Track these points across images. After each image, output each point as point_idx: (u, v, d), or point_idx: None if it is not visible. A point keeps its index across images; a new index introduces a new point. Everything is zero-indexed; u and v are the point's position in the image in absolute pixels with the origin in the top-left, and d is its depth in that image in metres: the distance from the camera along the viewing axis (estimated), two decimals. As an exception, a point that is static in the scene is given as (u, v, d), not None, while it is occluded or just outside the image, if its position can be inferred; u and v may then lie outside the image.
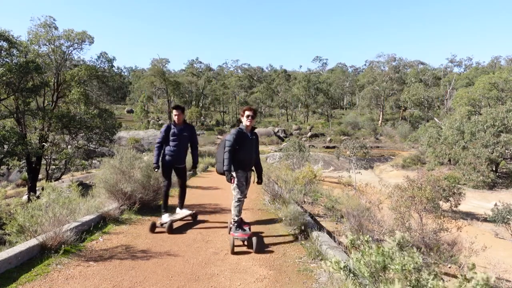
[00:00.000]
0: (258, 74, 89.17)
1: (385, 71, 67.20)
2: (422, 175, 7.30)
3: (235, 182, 4.26)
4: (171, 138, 5.03)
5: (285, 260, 3.75)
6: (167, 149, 5.04)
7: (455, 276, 4.97)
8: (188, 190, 9.18)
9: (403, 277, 1.61)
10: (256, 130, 4.57)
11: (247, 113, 4.38)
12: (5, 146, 14.68)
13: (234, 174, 4.26)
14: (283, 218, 4.99)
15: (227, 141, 4.22)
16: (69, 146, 18.36)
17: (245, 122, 4.38)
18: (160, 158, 5.06)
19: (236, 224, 4.30)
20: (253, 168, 4.58)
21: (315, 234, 4.34)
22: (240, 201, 4.34)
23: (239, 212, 4.35)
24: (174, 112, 5.08)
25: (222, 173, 4.31)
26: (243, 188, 4.34)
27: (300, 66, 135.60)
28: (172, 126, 5.08)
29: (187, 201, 7.52)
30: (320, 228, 5.03)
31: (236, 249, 3.98)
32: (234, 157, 4.20)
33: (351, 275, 1.86)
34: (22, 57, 16.40)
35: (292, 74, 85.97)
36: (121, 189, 5.63)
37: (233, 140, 4.19)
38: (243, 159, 4.30)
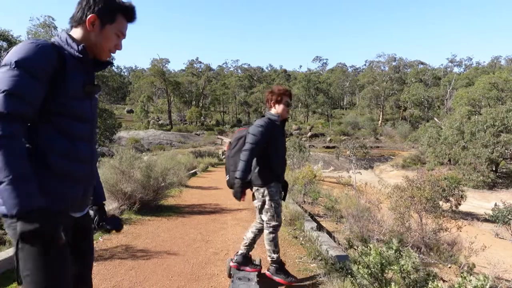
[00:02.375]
0: (258, 74, 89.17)
1: (385, 71, 67.23)
2: (422, 175, 7.31)
3: (268, 201, 2.79)
4: (73, 109, 1.23)
5: (285, 260, 3.75)
6: (60, 153, 1.19)
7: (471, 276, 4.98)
8: (187, 191, 9.22)
9: (401, 278, 1.62)
10: None
11: (286, 99, 2.86)
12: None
13: (262, 189, 2.80)
14: (283, 218, 5.00)
15: (250, 135, 2.69)
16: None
17: (279, 109, 2.85)
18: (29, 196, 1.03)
19: (276, 264, 2.93)
20: None
21: (315, 234, 4.35)
22: (277, 231, 2.87)
23: (275, 245, 2.88)
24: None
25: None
26: (280, 209, 2.87)
27: (300, 66, 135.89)
28: (70, 58, 1.22)
29: (187, 201, 7.54)
30: (320, 228, 5.04)
31: None
32: (265, 162, 2.79)
33: (349, 276, 1.87)
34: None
35: (292, 74, 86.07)
36: (121, 189, 5.64)
37: (261, 135, 2.67)
38: (278, 165, 2.86)
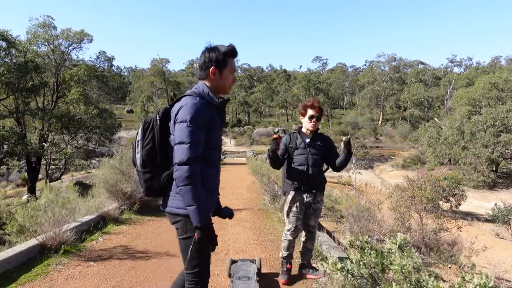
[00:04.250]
0: (258, 74, 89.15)
1: (385, 71, 67.22)
2: (422, 175, 7.30)
3: (286, 207, 3.05)
4: (214, 142, 1.82)
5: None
6: (208, 175, 1.80)
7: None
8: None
9: (402, 277, 1.61)
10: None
11: (310, 112, 3.00)
12: (5, 146, 14.70)
13: (284, 197, 3.11)
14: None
15: None
16: (68, 146, 18.38)
17: (304, 122, 3.06)
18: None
19: (282, 260, 3.16)
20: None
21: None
22: (287, 235, 3.06)
23: (285, 249, 3.09)
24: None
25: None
26: (293, 217, 3.01)
27: (300, 66, 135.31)
28: (212, 107, 1.79)
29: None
30: (320, 228, 5.03)
31: None
32: (286, 172, 3.05)
33: (349, 275, 1.86)
34: (21, 57, 16.41)
35: (292, 74, 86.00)
36: (121, 189, 5.64)
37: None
38: (297, 175, 2.98)
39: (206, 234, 1.60)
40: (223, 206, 2.13)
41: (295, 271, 3.27)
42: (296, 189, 2.97)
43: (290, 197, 3.00)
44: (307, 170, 2.94)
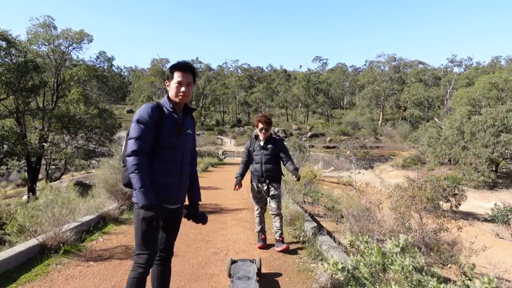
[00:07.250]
0: (258, 74, 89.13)
1: (385, 71, 67.20)
2: (422, 175, 7.30)
3: (251, 194, 4.21)
4: (167, 143, 2.05)
5: (285, 260, 3.74)
6: (158, 171, 2.02)
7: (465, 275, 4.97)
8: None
9: (403, 277, 1.61)
10: (256, 131, 4.17)
11: (260, 125, 4.01)
12: (5, 146, 14.69)
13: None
14: (284, 218, 4.98)
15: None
16: (68, 146, 18.37)
17: (259, 133, 4.10)
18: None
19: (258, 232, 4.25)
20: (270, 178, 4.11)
21: (315, 233, 4.34)
22: (257, 212, 4.17)
23: (258, 224, 4.18)
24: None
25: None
26: (254, 199, 4.18)
27: (300, 66, 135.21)
28: (166, 112, 2.08)
29: (186, 201, 7.49)
30: (320, 228, 5.02)
31: None
32: (250, 167, 4.19)
33: (349, 275, 1.86)
34: (21, 57, 16.40)
35: (292, 74, 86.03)
36: (121, 189, 5.64)
37: (244, 152, 4.20)
38: (255, 169, 4.11)
39: (148, 214, 1.83)
40: (202, 212, 2.40)
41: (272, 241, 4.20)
42: (255, 180, 4.02)
43: (253, 184, 4.05)
44: (261, 166, 3.97)
